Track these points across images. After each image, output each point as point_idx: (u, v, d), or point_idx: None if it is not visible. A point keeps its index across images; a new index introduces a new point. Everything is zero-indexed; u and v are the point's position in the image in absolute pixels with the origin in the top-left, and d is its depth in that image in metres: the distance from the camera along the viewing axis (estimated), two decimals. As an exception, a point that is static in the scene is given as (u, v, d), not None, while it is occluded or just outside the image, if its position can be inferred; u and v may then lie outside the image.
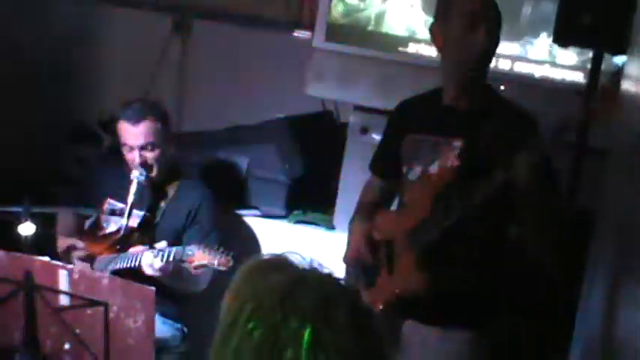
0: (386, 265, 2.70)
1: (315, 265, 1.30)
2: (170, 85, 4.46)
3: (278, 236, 3.80)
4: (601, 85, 3.20)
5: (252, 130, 4.03)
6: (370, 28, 3.79)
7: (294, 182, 3.91)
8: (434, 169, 2.65)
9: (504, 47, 3.54)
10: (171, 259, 3.01)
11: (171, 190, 3.37)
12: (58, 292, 2.69)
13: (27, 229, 3.02)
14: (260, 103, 4.23)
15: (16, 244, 2.98)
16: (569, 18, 3.14)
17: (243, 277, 1.29)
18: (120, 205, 3.28)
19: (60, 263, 2.83)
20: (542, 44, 3.62)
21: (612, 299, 2.74)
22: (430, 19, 2.78)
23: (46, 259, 2.93)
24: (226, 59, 4.45)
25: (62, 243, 3.40)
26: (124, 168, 3.29)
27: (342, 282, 1.30)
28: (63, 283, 2.69)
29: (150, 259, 3.03)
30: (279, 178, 3.91)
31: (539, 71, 3.65)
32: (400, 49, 3.76)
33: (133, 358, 2.69)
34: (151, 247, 3.11)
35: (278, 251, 1.34)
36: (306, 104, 4.07)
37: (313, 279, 1.26)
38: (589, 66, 3.31)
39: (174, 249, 3.04)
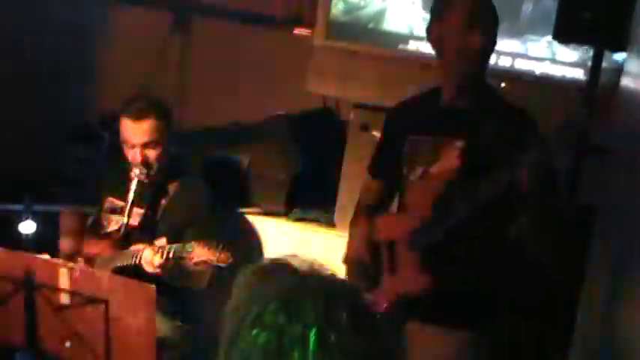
0: (388, 266, 2.70)
1: (316, 266, 1.30)
2: (170, 83, 4.46)
3: (278, 234, 3.80)
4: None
5: (252, 127, 4.03)
6: (371, 25, 3.79)
7: (295, 180, 3.92)
8: (435, 169, 2.64)
9: (504, 44, 3.54)
10: (171, 255, 3.01)
11: (171, 188, 3.37)
12: (58, 290, 2.69)
13: (28, 227, 3.03)
14: (260, 101, 4.24)
15: (16, 242, 2.99)
16: (570, 15, 3.13)
17: (246, 283, 1.30)
18: (120, 204, 3.28)
19: (61, 261, 2.83)
20: (543, 41, 3.62)
21: (613, 299, 2.74)
22: (431, 17, 2.78)
23: (47, 257, 2.94)
24: (226, 57, 4.45)
25: (64, 243, 3.40)
26: (124, 166, 3.28)
27: (344, 282, 1.30)
28: (64, 282, 2.69)
29: (150, 257, 3.03)
30: (280, 176, 3.91)
31: (539, 68, 3.65)
32: (401, 46, 3.76)
33: (134, 355, 2.70)
34: (151, 244, 3.11)
35: (279, 252, 1.35)
36: (306, 102, 4.08)
37: (315, 281, 1.26)
38: (589, 63, 3.31)
39: (173, 246, 3.04)
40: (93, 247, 3.31)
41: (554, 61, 3.63)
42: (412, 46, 3.74)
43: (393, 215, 2.85)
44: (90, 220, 3.43)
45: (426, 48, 3.65)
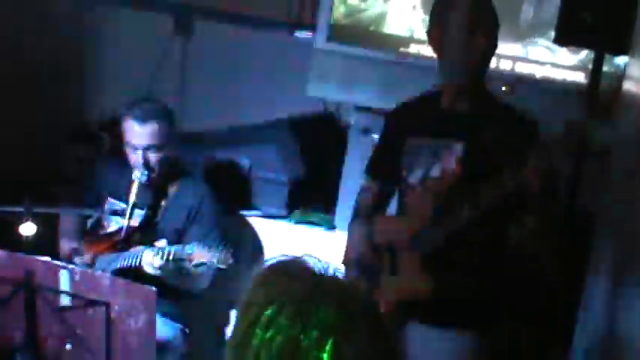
0: (388, 267, 2.70)
1: (332, 270, 1.29)
2: (171, 86, 4.46)
3: (279, 236, 3.80)
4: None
5: (253, 130, 4.03)
6: (372, 28, 3.79)
7: (295, 182, 3.92)
8: (435, 172, 2.64)
9: (505, 48, 3.54)
10: (171, 257, 3.02)
11: (171, 190, 3.37)
12: (59, 292, 2.69)
13: (28, 229, 3.02)
14: (261, 104, 4.23)
15: (17, 244, 2.98)
16: (571, 18, 3.14)
17: (263, 280, 1.28)
18: (121, 205, 3.28)
19: (61, 263, 2.83)
20: (543, 44, 3.62)
21: (613, 303, 2.74)
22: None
23: (47, 259, 2.93)
24: (227, 60, 4.45)
25: (64, 244, 3.40)
26: (125, 168, 3.29)
27: (358, 285, 1.29)
28: (64, 284, 2.69)
29: (150, 258, 3.04)
30: (281, 179, 3.91)
31: (540, 72, 3.65)
32: (402, 49, 3.76)
33: (134, 358, 2.69)
34: (152, 245, 3.12)
35: (284, 252, 1.33)
36: (307, 105, 4.08)
37: (332, 286, 1.25)
38: (590, 66, 3.31)
39: (173, 247, 3.04)
40: (93, 249, 3.31)
41: (554, 64, 3.63)
42: (413, 49, 3.74)
43: (393, 217, 2.85)
44: (90, 222, 3.43)
45: (427, 51, 3.66)
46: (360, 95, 3.76)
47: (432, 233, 2.60)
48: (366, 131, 3.72)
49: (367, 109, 3.74)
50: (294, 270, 1.27)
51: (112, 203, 3.34)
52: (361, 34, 3.79)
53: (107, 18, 4.58)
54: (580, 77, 3.58)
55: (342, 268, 2.79)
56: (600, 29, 3.10)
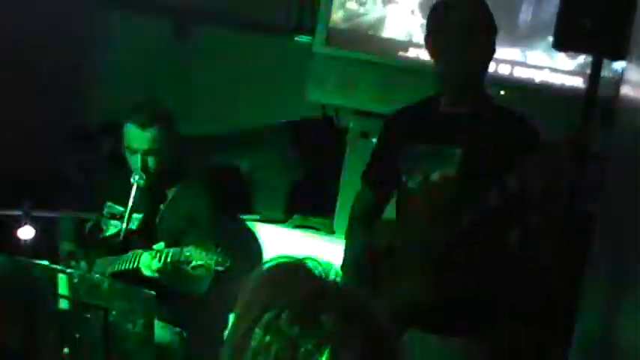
0: (388, 273, 2.69)
1: (333, 272, 1.27)
2: (170, 90, 4.46)
3: (278, 240, 3.80)
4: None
5: (252, 134, 4.03)
6: (370, 32, 3.79)
7: (295, 187, 3.92)
8: (435, 177, 2.64)
9: (504, 52, 3.54)
10: (169, 260, 3.02)
11: (170, 194, 3.38)
12: (57, 296, 2.69)
13: (26, 232, 3.03)
14: (260, 108, 4.24)
15: (15, 248, 2.98)
16: (569, 23, 3.13)
17: (261, 283, 1.26)
18: (119, 209, 3.29)
19: (59, 267, 2.83)
20: (542, 49, 3.62)
21: (612, 304, 2.74)
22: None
23: (46, 262, 2.93)
24: (226, 64, 4.45)
25: (62, 248, 3.40)
26: (124, 172, 3.29)
27: (360, 293, 1.28)
28: (62, 287, 2.69)
29: (148, 261, 3.04)
30: (280, 183, 3.91)
31: (538, 76, 3.65)
32: (400, 53, 3.76)
33: (133, 362, 2.69)
34: (150, 249, 3.12)
35: (297, 254, 1.31)
36: (306, 109, 4.08)
37: (333, 292, 1.24)
38: (589, 71, 3.31)
39: (172, 250, 3.04)
40: (92, 252, 3.31)
41: (553, 69, 3.63)
42: (412, 53, 3.74)
43: (391, 223, 2.84)
44: (89, 225, 3.43)
45: (426, 55, 3.67)
46: (359, 99, 3.76)
47: (434, 237, 2.59)
48: (365, 135, 3.72)
49: (366, 114, 3.75)
50: (295, 273, 1.26)
51: (111, 207, 3.35)
52: (360, 39, 3.79)
53: (107, 22, 4.59)
54: (578, 82, 3.58)
55: (341, 272, 2.79)
56: (599, 34, 3.10)
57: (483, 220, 2.52)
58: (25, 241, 3.02)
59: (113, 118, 4.11)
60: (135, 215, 3.23)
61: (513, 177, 2.44)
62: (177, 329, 3.35)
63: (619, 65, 3.37)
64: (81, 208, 3.43)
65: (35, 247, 3.04)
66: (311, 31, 3.96)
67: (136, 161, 3.24)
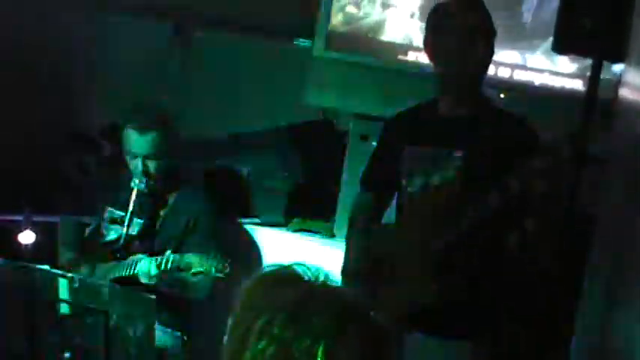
0: (389, 277, 2.69)
1: (323, 275, 1.29)
2: (170, 93, 4.47)
3: (278, 244, 3.80)
4: None
5: (252, 138, 4.04)
6: (370, 36, 3.80)
7: (294, 190, 3.92)
8: (435, 180, 2.64)
9: (503, 55, 3.55)
10: (169, 266, 3.02)
11: (170, 199, 3.37)
12: (58, 300, 2.69)
13: (27, 237, 3.03)
14: (260, 112, 4.24)
15: (16, 252, 2.99)
16: (569, 26, 3.14)
17: (253, 290, 1.28)
18: (120, 214, 3.28)
19: (60, 272, 2.83)
20: (542, 52, 3.63)
21: (610, 309, 2.74)
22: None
23: (46, 267, 2.94)
24: (226, 67, 4.46)
25: (63, 253, 3.40)
26: (125, 176, 3.29)
27: (353, 294, 1.29)
28: (63, 292, 2.69)
29: (146, 267, 3.04)
30: (279, 186, 3.91)
31: (538, 79, 3.65)
32: (400, 57, 3.76)
33: (133, 366, 2.69)
34: (151, 254, 3.12)
35: (281, 261, 1.33)
36: (306, 112, 4.08)
37: (323, 293, 1.26)
38: (588, 74, 3.32)
39: (172, 256, 3.04)
40: (92, 257, 3.31)
41: (553, 72, 3.63)
42: (411, 56, 3.75)
43: (391, 227, 2.84)
44: (89, 230, 3.43)
45: (425, 58, 3.68)
46: (359, 102, 3.77)
47: (436, 240, 2.59)
48: (365, 138, 3.72)
49: (366, 117, 3.75)
50: (284, 279, 1.28)
51: (111, 211, 3.34)
52: (359, 42, 3.79)
53: (107, 26, 4.59)
54: (578, 85, 3.59)
55: (340, 276, 2.79)
56: (599, 36, 3.10)
57: (483, 222, 2.52)
58: (26, 245, 3.03)
59: (113, 119, 4.12)
60: (135, 220, 3.23)
61: (513, 180, 2.44)
62: (178, 333, 3.35)
63: (618, 68, 3.37)
64: (81, 209, 3.42)
65: (36, 252, 3.05)
66: (311, 35, 3.97)
67: (136, 166, 3.24)
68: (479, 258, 2.63)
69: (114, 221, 3.30)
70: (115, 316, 2.64)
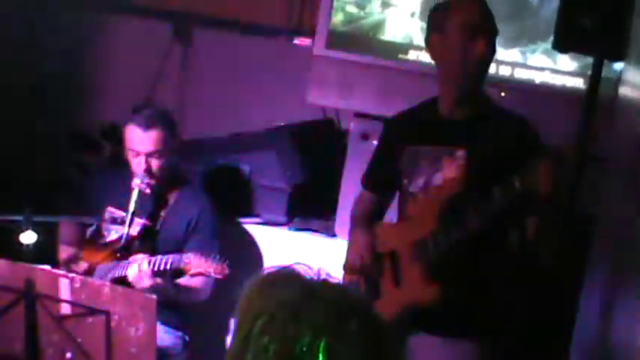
0: (391, 277, 2.69)
1: (324, 274, 1.30)
2: (171, 93, 4.47)
3: (279, 244, 3.80)
4: None
5: (253, 137, 4.03)
6: (370, 35, 3.79)
7: (295, 189, 3.92)
8: (437, 180, 2.64)
9: (504, 54, 3.54)
10: (168, 266, 3.02)
11: (171, 199, 3.37)
12: (59, 300, 2.69)
13: (28, 237, 3.03)
14: (261, 111, 4.24)
15: (17, 252, 2.99)
16: (569, 24, 3.13)
17: (253, 291, 1.29)
18: (121, 214, 3.29)
19: (61, 272, 2.83)
20: (542, 51, 3.62)
21: (609, 310, 2.74)
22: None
23: (47, 267, 2.94)
24: (227, 67, 4.46)
25: (63, 252, 3.41)
26: (125, 176, 3.29)
27: (354, 292, 1.30)
28: (64, 292, 2.69)
29: (145, 267, 3.03)
30: (280, 186, 3.91)
31: (539, 78, 3.65)
32: (400, 56, 3.76)
33: (135, 366, 2.70)
34: (151, 255, 3.12)
35: (282, 261, 1.35)
36: (306, 111, 4.08)
37: (323, 291, 1.26)
38: (589, 72, 3.31)
39: (170, 256, 3.04)
40: (92, 257, 3.31)
41: (554, 70, 3.63)
42: (412, 55, 3.74)
43: (393, 226, 2.84)
44: (90, 230, 3.43)
45: (426, 57, 3.67)
46: (359, 101, 3.76)
47: (442, 240, 2.59)
48: (366, 137, 3.72)
49: (366, 116, 3.75)
50: (284, 278, 1.29)
51: (112, 212, 3.35)
52: (360, 41, 3.79)
53: (107, 26, 4.59)
54: (579, 83, 3.58)
55: (342, 275, 2.79)
56: (599, 35, 3.10)
57: (484, 222, 2.51)
58: (27, 246, 3.03)
59: (113, 119, 4.12)
60: (136, 220, 3.23)
61: (513, 179, 2.44)
62: (180, 333, 3.35)
63: (619, 66, 3.37)
64: (81, 210, 3.42)
65: (37, 252, 3.05)
66: (311, 34, 3.96)
67: (138, 163, 3.24)
68: (480, 257, 2.63)
69: (115, 221, 3.31)
70: (116, 317, 2.64)
